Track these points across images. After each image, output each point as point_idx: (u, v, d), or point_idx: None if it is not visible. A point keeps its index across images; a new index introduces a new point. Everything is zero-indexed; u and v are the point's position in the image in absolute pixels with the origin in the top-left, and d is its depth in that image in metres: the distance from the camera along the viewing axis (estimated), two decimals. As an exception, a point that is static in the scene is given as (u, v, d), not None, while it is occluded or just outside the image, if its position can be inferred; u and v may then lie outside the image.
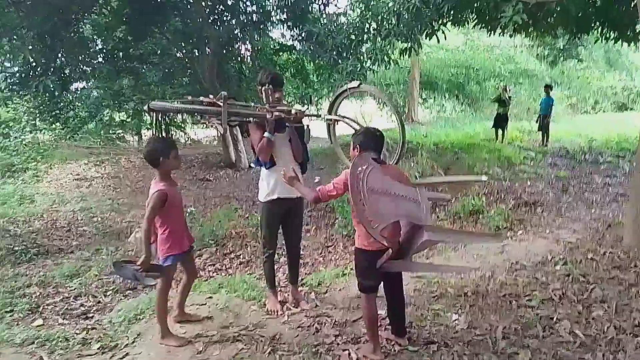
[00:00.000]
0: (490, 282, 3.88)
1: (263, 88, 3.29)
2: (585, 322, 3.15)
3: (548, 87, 11.58)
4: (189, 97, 3.41)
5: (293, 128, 3.39)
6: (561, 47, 13.92)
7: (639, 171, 4.71)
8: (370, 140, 2.80)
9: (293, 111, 3.31)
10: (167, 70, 10.66)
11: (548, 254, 4.45)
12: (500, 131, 11.16)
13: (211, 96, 3.28)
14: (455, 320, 3.26)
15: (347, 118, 3.43)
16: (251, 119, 3.29)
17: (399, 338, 3.04)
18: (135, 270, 2.92)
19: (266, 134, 3.22)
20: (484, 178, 2.82)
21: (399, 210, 2.55)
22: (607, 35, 8.54)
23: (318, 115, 3.57)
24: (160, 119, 3.43)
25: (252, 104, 3.49)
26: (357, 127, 3.50)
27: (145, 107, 3.22)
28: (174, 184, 3.16)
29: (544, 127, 11.08)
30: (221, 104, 3.14)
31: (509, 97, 11.51)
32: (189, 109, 3.48)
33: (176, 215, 3.08)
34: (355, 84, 3.38)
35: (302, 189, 2.97)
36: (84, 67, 9.74)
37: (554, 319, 3.19)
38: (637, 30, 8.03)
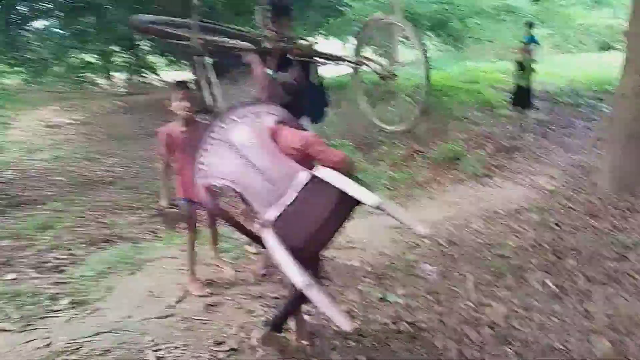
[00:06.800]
0: (465, 231, 3.89)
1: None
2: (557, 271, 3.19)
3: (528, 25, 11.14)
4: None
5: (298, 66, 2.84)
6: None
7: (616, 115, 4.65)
8: None
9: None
10: (133, 7, 9.96)
11: (524, 202, 4.46)
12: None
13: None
14: (429, 271, 3.27)
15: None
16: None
17: None
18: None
19: (269, 71, 2.75)
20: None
21: (240, 177, 1.99)
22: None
23: (329, 57, 3.05)
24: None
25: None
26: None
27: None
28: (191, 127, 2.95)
29: None
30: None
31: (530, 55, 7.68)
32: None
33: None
34: (380, 15, 2.97)
35: None
36: (40, 3, 9.00)
37: (526, 269, 3.22)
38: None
